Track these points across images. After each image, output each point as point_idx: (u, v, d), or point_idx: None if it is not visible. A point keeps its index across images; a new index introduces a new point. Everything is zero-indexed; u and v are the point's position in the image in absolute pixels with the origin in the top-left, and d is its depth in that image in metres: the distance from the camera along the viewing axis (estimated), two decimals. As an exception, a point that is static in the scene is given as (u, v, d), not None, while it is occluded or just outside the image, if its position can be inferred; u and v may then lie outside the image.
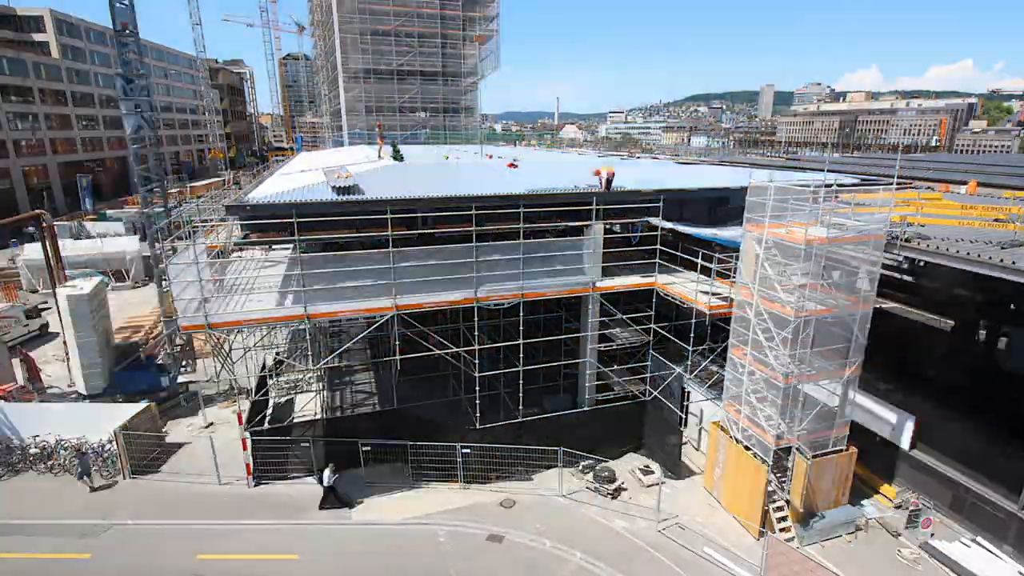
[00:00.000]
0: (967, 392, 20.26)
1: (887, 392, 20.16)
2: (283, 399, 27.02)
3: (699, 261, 20.18)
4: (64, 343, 26.56)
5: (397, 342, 22.75)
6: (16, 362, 27.02)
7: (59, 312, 25.72)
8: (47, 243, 29.83)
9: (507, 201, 21.04)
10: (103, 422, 21.71)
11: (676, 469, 21.31)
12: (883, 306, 21.08)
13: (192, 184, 79.71)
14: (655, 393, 23.57)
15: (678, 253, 21.77)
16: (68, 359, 26.65)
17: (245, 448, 20.36)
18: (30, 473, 21.28)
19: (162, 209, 27.02)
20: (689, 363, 21.68)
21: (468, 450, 20.41)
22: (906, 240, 18.00)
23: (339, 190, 20.29)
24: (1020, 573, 16.09)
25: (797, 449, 18.04)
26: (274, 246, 24.88)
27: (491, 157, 38.69)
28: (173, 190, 26.26)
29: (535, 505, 19.93)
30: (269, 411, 24.89)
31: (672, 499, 19.91)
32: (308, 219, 19.36)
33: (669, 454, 21.49)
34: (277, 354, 28.28)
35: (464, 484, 20.73)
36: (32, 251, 43.22)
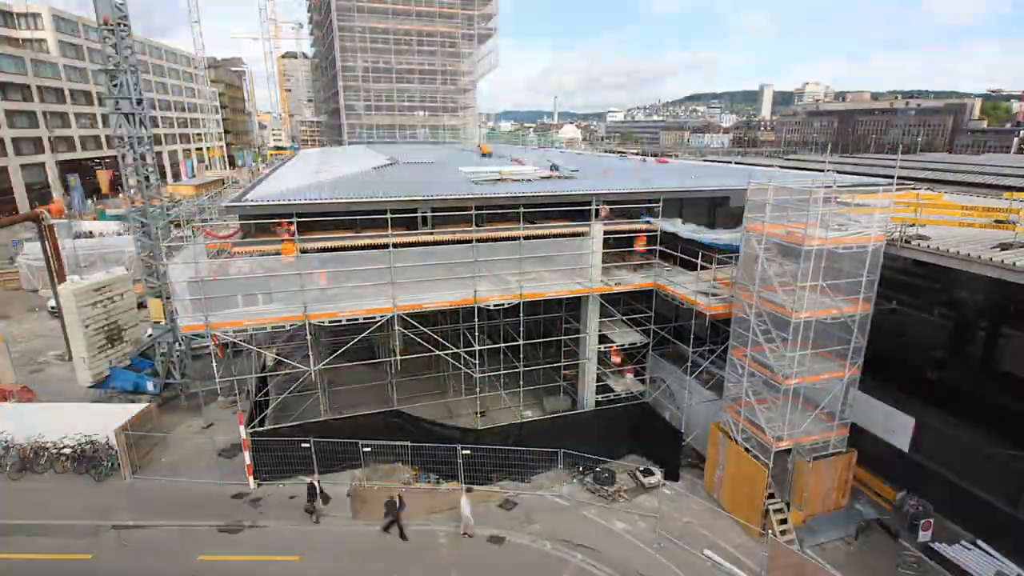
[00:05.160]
0: (967, 393, 20.26)
1: (887, 393, 20.15)
2: (283, 399, 26.97)
3: (699, 262, 20.18)
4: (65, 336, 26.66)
5: (397, 342, 22.75)
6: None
7: (59, 305, 25.74)
8: (47, 242, 29.76)
9: (507, 201, 21.05)
10: (104, 422, 21.67)
11: (676, 470, 21.32)
12: (883, 306, 21.05)
13: (179, 183, 79.39)
14: (655, 394, 23.61)
15: (678, 254, 21.80)
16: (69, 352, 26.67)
17: (246, 448, 20.35)
18: (31, 473, 21.25)
19: (156, 209, 26.61)
20: (689, 364, 21.69)
21: (468, 451, 20.40)
22: (906, 241, 18.00)
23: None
24: (1020, 575, 16.12)
25: (797, 451, 18.05)
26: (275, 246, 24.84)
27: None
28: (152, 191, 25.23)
29: (535, 506, 19.92)
30: (270, 411, 24.85)
31: (672, 500, 19.93)
32: (308, 219, 19.38)
33: (669, 455, 21.49)
34: (277, 354, 28.23)
35: (464, 485, 20.72)
36: (32, 250, 43.17)
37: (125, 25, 23.78)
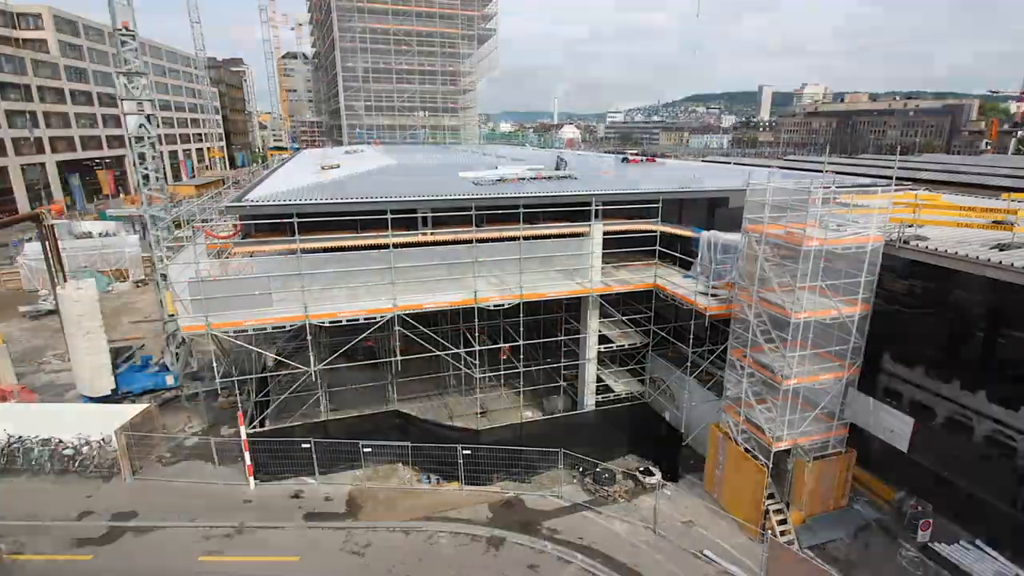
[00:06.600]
0: (966, 394, 20.28)
1: (886, 394, 20.19)
2: (284, 399, 26.96)
3: (698, 263, 20.20)
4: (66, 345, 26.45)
5: (397, 343, 22.78)
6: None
7: (60, 312, 25.63)
8: (48, 243, 29.72)
9: (507, 202, 21.08)
10: (104, 423, 21.69)
11: (676, 471, 21.35)
12: (881, 307, 21.09)
13: (180, 183, 79.42)
14: (655, 394, 23.64)
15: (678, 254, 21.83)
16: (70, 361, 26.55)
17: (246, 449, 20.37)
18: (30, 474, 21.26)
19: (160, 209, 26.80)
20: (689, 364, 21.72)
21: (468, 451, 20.43)
22: (904, 241, 18.05)
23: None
24: (1019, 575, 16.15)
25: (797, 451, 18.09)
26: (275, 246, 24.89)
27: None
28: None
29: (536, 507, 19.95)
30: (270, 411, 24.87)
31: (672, 501, 19.97)
32: (308, 219, 19.39)
33: (669, 456, 21.52)
34: (277, 354, 28.25)
35: (465, 486, 20.76)
36: (32, 250, 43.16)
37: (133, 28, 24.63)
